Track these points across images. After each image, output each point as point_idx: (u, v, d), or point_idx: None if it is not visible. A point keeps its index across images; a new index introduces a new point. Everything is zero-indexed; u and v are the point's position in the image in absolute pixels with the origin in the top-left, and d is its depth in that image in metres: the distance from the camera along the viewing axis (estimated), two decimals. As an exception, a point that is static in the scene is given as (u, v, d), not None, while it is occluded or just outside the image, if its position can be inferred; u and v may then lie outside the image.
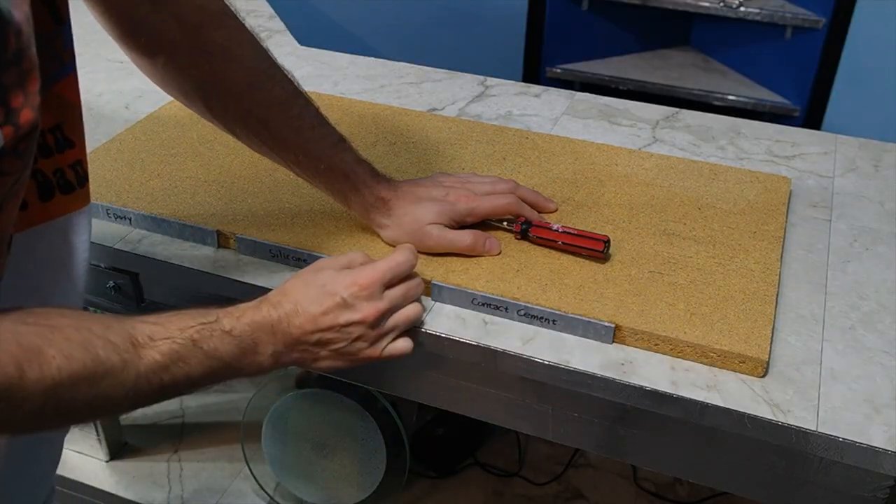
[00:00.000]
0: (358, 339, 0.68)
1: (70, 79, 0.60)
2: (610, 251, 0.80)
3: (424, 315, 0.76)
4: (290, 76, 0.77)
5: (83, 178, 0.63)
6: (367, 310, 0.68)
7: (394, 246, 0.81)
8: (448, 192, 0.82)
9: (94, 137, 0.98)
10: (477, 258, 0.80)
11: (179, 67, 0.74)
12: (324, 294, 0.67)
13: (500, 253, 0.81)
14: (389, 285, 0.70)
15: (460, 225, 0.81)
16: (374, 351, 0.70)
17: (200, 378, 0.60)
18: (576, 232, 0.80)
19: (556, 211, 0.87)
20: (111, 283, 0.87)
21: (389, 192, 0.80)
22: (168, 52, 0.72)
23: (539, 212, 0.86)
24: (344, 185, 0.79)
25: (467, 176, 0.86)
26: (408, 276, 0.73)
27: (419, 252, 0.78)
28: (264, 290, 0.79)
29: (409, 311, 0.72)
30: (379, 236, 0.82)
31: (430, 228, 0.79)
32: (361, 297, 0.68)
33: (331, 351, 0.68)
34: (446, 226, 0.80)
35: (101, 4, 0.69)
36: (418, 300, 0.74)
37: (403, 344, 0.72)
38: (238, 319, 0.63)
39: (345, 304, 0.67)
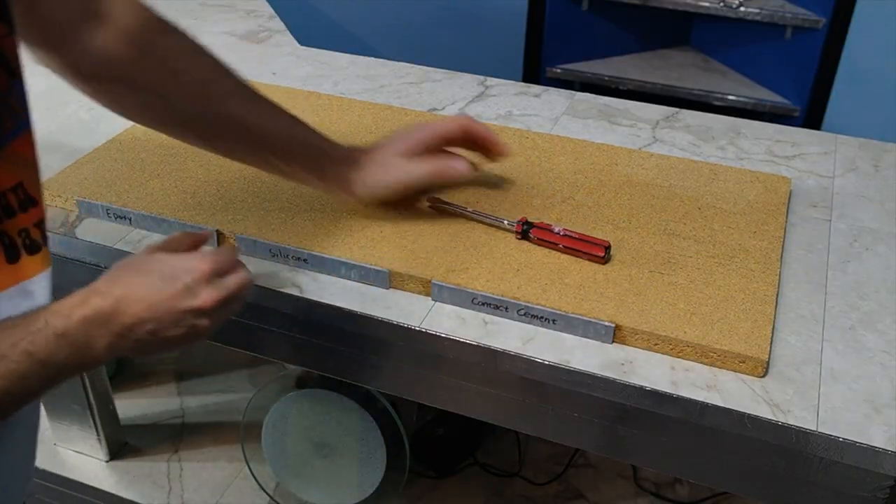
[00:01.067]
0: (192, 326, 0.66)
1: (27, 135, 0.59)
2: (611, 254, 0.80)
3: (424, 316, 0.76)
4: (238, 75, 0.80)
5: (46, 237, 0.62)
6: (206, 296, 0.65)
7: (367, 201, 0.84)
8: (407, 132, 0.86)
9: (94, 137, 0.98)
10: (477, 257, 0.80)
11: (131, 86, 0.75)
12: (161, 279, 0.65)
13: (470, 171, 0.84)
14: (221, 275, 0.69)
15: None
16: (200, 339, 0.68)
17: (40, 389, 0.59)
18: (577, 236, 0.80)
19: (507, 155, 0.89)
20: (111, 283, 0.87)
21: (356, 151, 0.84)
22: (117, 72, 0.73)
23: (489, 149, 0.88)
24: (318, 154, 0.82)
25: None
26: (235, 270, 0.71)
27: (393, 193, 0.83)
28: (265, 291, 0.79)
29: (234, 304, 0.70)
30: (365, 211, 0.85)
31: (396, 159, 0.83)
32: (202, 282, 0.66)
33: (161, 338, 0.65)
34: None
35: (40, 48, 0.70)
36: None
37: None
38: (68, 318, 0.60)
39: (186, 290, 0.65)
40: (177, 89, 0.75)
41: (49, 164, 0.96)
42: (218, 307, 0.67)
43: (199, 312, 0.65)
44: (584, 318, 0.73)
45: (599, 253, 0.78)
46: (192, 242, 0.74)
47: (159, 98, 0.76)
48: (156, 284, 0.64)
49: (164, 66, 0.74)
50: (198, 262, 0.66)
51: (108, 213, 0.87)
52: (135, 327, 0.63)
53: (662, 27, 2.51)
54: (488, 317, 0.76)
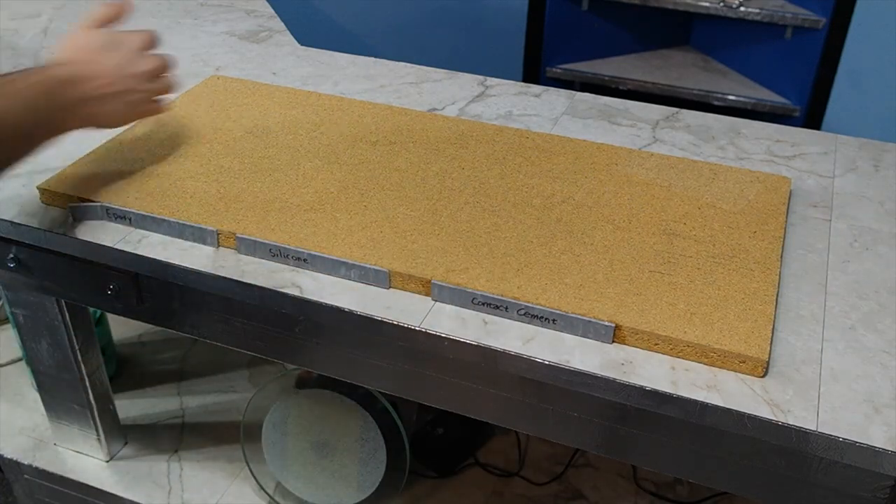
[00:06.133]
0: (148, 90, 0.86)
1: None
2: None
3: (424, 316, 0.76)
4: None
5: None
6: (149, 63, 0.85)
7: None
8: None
9: (95, 137, 0.98)
10: (477, 257, 0.80)
11: None
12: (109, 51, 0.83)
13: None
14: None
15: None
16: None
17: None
18: None
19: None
20: (111, 284, 0.87)
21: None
22: None
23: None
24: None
25: None
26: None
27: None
28: (264, 290, 0.79)
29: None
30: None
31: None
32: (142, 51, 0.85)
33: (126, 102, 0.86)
34: None
35: None
36: None
37: None
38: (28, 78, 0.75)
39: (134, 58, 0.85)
40: None
41: (49, 165, 0.96)
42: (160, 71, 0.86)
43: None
44: (584, 317, 0.73)
45: None
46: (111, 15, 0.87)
47: None
48: (111, 58, 0.83)
49: None
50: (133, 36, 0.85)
51: (107, 213, 0.87)
52: (97, 91, 0.81)
53: (662, 27, 2.51)
54: (488, 317, 0.76)
